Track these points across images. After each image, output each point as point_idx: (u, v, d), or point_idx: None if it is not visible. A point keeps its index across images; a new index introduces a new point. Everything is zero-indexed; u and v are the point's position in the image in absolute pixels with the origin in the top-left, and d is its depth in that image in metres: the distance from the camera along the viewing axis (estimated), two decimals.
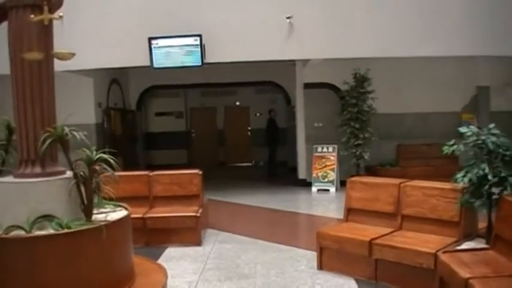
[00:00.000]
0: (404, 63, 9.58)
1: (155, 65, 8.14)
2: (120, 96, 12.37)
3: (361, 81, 9.23)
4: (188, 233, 5.58)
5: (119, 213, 3.61)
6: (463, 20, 8.08)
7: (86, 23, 7.86)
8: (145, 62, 8.06)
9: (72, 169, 3.33)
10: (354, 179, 5.12)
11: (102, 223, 3.26)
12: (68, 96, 8.41)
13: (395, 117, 10.10)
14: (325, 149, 9.70)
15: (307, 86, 10.09)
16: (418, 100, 10.15)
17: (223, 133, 15.30)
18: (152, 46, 8.01)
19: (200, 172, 6.10)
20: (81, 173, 3.29)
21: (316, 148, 9.75)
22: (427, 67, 9.85)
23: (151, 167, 11.84)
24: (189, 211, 5.72)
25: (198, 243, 5.57)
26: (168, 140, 14.57)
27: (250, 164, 14.95)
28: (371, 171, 9.36)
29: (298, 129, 10.41)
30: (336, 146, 9.60)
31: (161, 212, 5.77)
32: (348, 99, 9.33)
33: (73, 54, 3.43)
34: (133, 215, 3.82)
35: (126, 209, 3.77)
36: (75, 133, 3.35)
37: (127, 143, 12.26)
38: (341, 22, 8.13)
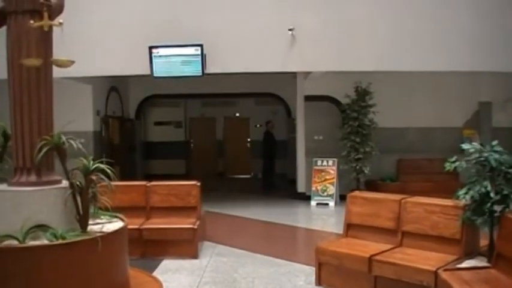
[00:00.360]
0: (406, 77, 9.60)
1: (155, 74, 8.14)
2: (119, 105, 12.38)
3: (362, 94, 9.24)
4: (185, 245, 5.54)
5: (115, 224, 3.58)
6: (466, 35, 8.11)
7: (87, 30, 7.87)
8: (146, 71, 8.07)
9: (68, 178, 3.31)
10: (354, 193, 5.09)
11: (98, 234, 3.24)
12: (66, 103, 8.42)
13: (397, 132, 10.09)
14: (325, 163, 9.68)
15: (308, 98, 10.10)
16: (419, 114, 10.16)
17: (222, 144, 15.24)
18: (153, 55, 8.03)
19: (198, 183, 6.07)
20: (78, 183, 3.27)
21: (316, 161, 9.73)
22: (430, 81, 9.86)
23: (149, 177, 11.74)
24: (186, 223, 5.68)
25: (195, 255, 5.53)
26: (166, 149, 14.53)
27: (249, 176, 14.95)
28: (371, 185, 9.32)
29: (298, 142, 10.39)
30: (335, 160, 9.57)
31: (158, 223, 5.73)
32: (348, 112, 9.33)
33: (72, 62, 3.42)
34: (129, 226, 3.79)
35: (122, 219, 3.74)
36: (72, 142, 3.33)
37: (125, 152, 12.23)
38: (344, 35, 8.14)
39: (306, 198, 9.84)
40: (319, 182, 9.61)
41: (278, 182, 12.32)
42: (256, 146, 14.05)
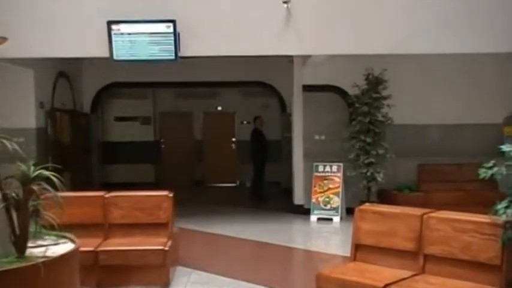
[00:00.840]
0: (429, 62, 9.67)
1: (116, 57, 8.07)
2: (69, 95, 12.29)
3: (374, 83, 9.27)
4: (153, 272, 5.54)
5: (63, 247, 3.55)
6: (508, 6, 8.01)
7: (28, 2, 7.79)
8: (103, 53, 7.98)
9: (0, 189, 3.25)
10: (364, 206, 5.10)
11: (40, 260, 3.19)
12: (0, 92, 8.32)
13: (417, 130, 10.16)
14: (328, 168, 9.71)
15: (307, 88, 10.15)
16: (446, 108, 10.23)
17: (201, 145, 15.34)
18: (112, 32, 7.95)
19: (171, 194, 6.07)
20: (14, 195, 3.22)
21: (317, 167, 9.74)
22: (459, 67, 9.94)
23: (109, 187, 11.70)
24: (154, 243, 5.67)
25: (166, 284, 5.53)
26: (131, 152, 14.57)
27: (234, 185, 15.08)
28: (385, 197, 9.37)
29: (294, 143, 10.44)
30: (341, 165, 9.61)
31: (119, 244, 5.71)
32: (358, 106, 9.36)
33: (5, 39, 3.35)
34: (82, 248, 3.78)
35: (72, 240, 3.70)
36: (6, 141, 3.26)
37: (77, 155, 12.17)
38: (351, 10, 8.12)
39: (304, 212, 9.87)
40: (320, 192, 9.63)
41: (270, 192, 12.40)
42: (243, 148, 14.08)
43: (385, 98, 9.26)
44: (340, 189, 9.55)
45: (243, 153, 14.22)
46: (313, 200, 9.67)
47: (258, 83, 13.39)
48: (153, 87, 14.40)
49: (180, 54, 8.02)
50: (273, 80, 13.13)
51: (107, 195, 6.08)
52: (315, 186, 9.71)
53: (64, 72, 11.79)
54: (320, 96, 10.06)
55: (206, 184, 15.01)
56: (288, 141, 11.38)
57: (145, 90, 14.50)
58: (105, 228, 5.95)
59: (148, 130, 14.97)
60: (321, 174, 9.72)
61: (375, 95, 9.26)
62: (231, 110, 15.32)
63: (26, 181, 3.21)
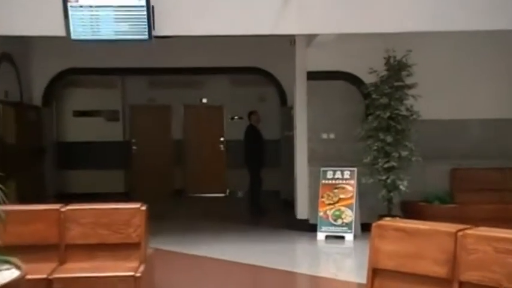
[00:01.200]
0: (465, 42, 9.72)
1: (74, 36, 8.04)
2: (15, 83, 12.30)
3: (396, 69, 9.27)
4: None
5: (5, 275, 3.53)
6: None
7: None
8: (58, 31, 7.94)
9: None
10: (383, 222, 5.05)
11: None
12: None
13: (450, 126, 10.21)
14: (338, 175, 9.73)
15: (313, 76, 10.18)
16: (487, 99, 10.27)
17: (182, 146, 15.47)
18: (69, 5, 7.91)
19: (144, 207, 6.04)
20: None
21: (325, 173, 9.76)
22: (504, 48, 9.97)
23: (66, 198, 11.69)
24: (124, 269, 5.64)
25: None
26: (94, 155, 14.66)
27: (223, 195, 15.22)
28: (410, 210, 9.39)
29: (297, 143, 10.48)
30: (355, 170, 9.62)
31: (79, 269, 5.66)
32: (375, 97, 9.36)
33: None
34: (31, 276, 3.79)
35: (17, 266, 3.68)
36: None
37: (26, 159, 12.13)
38: None
39: (309, 228, 9.90)
40: (329, 204, 9.64)
41: (267, 204, 12.46)
42: (235, 149, 14.22)
43: (409, 86, 9.26)
44: (353, 201, 9.55)
45: (234, 156, 14.38)
46: (321, 214, 9.66)
47: (252, 69, 13.46)
48: (122, 75, 14.46)
49: (155, 33, 8.00)
50: (271, 65, 13.19)
51: (63, 209, 6.03)
52: (322, 197, 9.71)
53: (8, 54, 11.73)
54: (328, 86, 10.14)
55: (188, 194, 15.14)
56: (289, 141, 11.46)
57: (111, 78, 14.57)
58: (61, 250, 5.90)
59: (116, 128, 15.02)
60: (330, 181, 9.73)
61: (396, 84, 9.26)
62: (218, 102, 15.43)
63: None
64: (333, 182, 9.73)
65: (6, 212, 3.37)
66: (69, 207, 6.09)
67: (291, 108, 11.55)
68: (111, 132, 14.94)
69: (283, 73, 12.71)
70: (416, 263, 4.61)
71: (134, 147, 15.36)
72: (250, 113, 12.58)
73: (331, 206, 9.62)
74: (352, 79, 10.15)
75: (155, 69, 13.42)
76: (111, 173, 14.71)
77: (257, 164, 12.25)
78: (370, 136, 9.42)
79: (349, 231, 9.45)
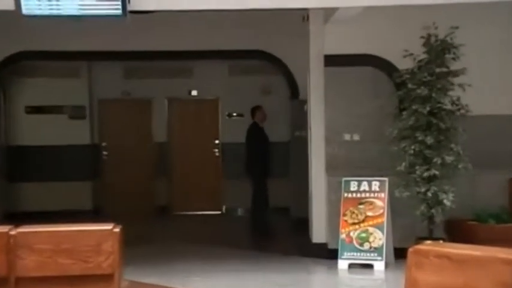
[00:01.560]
0: None
1: (25, 10, 7.94)
2: None
3: (439, 51, 9.22)
4: None
5: None
6: None
7: None
8: (5, 3, 7.87)
9: None
10: (423, 246, 5.01)
11: None
12: None
13: (509, 124, 10.19)
14: (365, 186, 9.69)
15: (332, 61, 10.19)
16: None
17: (166, 151, 15.50)
18: None
19: (117, 229, 5.98)
20: None
21: (348, 184, 9.72)
22: None
23: (17, 218, 11.69)
24: None
25: None
26: (53, 162, 14.69)
27: (219, 213, 15.26)
28: (457, 230, 9.36)
29: (312, 146, 10.53)
30: (386, 180, 9.58)
31: None
32: (412, 87, 9.28)
33: None
34: None
35: None
36: None
37: None
38: None
39: (328, 254, 9.86)
40: (354, 224, 9.60)
41: (274, 224, 12.57)
42: (233, 155, 14.25)
43: (455, 73, 9.18)
44: (384, 219, 9.49)
45: (232, 164, 14.38)
46: (343, 236, 9.59)
47: (254, 53, 13.50)
48: (89, 60, 14.43)
49: (131, 7, 7.94)
50: (278, 48, 13.24)
51: (13, 232, 5.95)
52: (344, 215, 9.65)
53: None
54: (352, 73, 10.18)
55: (174, 212, 15.13)
56: (302, 144, 11.50)
57: (75, 65, 14.53)
58: (10, 284, 5.88)
59: (82, 128, 14.96)
60: (355, 195, 9.69)
61: (439, 70, 9.20)
62: (212, 95, 15.45)
63: None
64: (358, 195, 9.69)
65: None
66: (21, 229, 6.01)
67: (304, 102, 11.55)
68: (76, 133, 14.84)
69: (293, 58, 12.73)
70: None
71: (105, 153, 15.36)
72: (254, 109, 12.64)
73: (356, 226, 9.57)
74: (381, 65, 10.16)
75: (131, 54, 13.43)
76: (76, 186, 14.62)
77: (262, 173, 12.31)
78: (405, 137, 9.34)
79: (378, 258, 9.37)
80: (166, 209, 15.14)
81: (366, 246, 9.49)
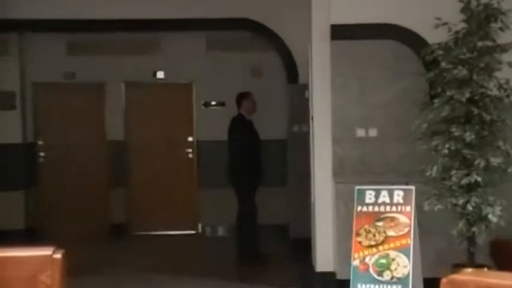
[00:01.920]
0: None
1: None
2: None
3: (482, 19, 9.22)
4: None
5: None
6: None
7: None
8: None
9: None
10: (461, 276, 5.05)
11: None
12: None
13: None
14: (384, 197, 9.56)
15: (341, 33, 10.17)
16: None
17: (123, 152, 15.56)
18: None
19: (58, 254, 6.04)
20: None
21: (363, 193, 9.58)
22: None
23: None
24: None
25: None
26: None
27: (193, 233, 15.43)
28: (506, 254, 9.37)
29: (315, 145, 10.52)
30: (412, 189, 9.40)
31: None
32: (446, 66, 9.29)
33: None
34: None
35: None
36: None
37: None
38: None
39: (337, 286, 9.97)
40: (370, 247, 9.50)
41: (267, 246, 12.58)
42: (212, 157, 14.36)
43: (504, 48, 9.16)
44: (410, 241, 9.41)
45: (210, 169, 14.45)
46: (356, 263, 9.47)
47: (240, 22, 13.64)
48: (20, 31, 14.43)
49: None
50: (270, 17, 13.38)
51: None
52: (358, 235, 9.54)
53: None
54: (367, 49, 10.20)
55: (133, 231, 15.22)
56: (302, 141, 11.80)
57: (2, 37, 14.48)
58: None
59: (11, 121, 14.98)
60: (371, 208, 9.53)
61: (482, 44, 9.13)
62: (185, 78, 15.49)
63: None
64: (376, 209, 9.54)
65: None
66: None
67: (305, 87, 11.60)
68: (2, 129, 14.82)
69: (290, 29, 12.95)
70: None
71: (42, 154, 15.39)
72: (240, 97, 12.56)
73: (374, 250, 9.45)
74: (406, 37, 10.13)
75: (77, 23, 13.45)
76: (3, 198, 14.59)
77: (250, 181, 12.25)
78: (438, 132, 9.28)
79: None
80: (124, 228, 15.14)
81: (387, 276, 9.42)
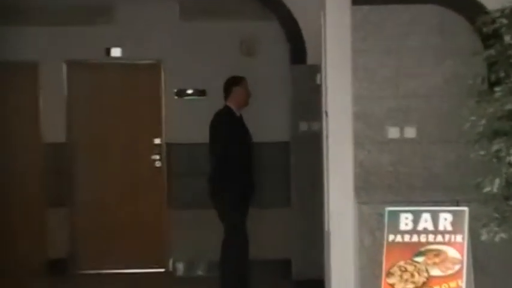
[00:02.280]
0: None
1: None
2: None
3: None
4: None
5: None
6: None
7: None
8: None
9: None
10: None
11: None
12: None
13: None
14: (426, 222, 9.39)
15: None
16: None
17: (65, 160, 15.44)
18: None
19: None
20: None
21: (396, 217, 9.42)
22: None
23: None
24: None
25: None
26: None
27: (161, 271, 15.52)
28: None
29: (330, 151, 10.34)
30: (465, 211, 9.28)
31: None
32: (511, 41, 9.05)
33: None
34: None
35: None
36: None
37: None
38: None
39: None
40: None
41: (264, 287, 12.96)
42: (187, 166, 14.84)
43: None
44: (462, 283, 9.20)
45: (185, 181, 14.45)
46: None
47: None
48: None
49: None
50: None
51: None
52: (389, 275, 9.31)
53: None
54: (400, 16, 10.24)
55: (80, 269, 15.22)
56: (312, 145, 12.20)
57: None
58: None
59: None
60: (408, 238, 9.33)
61: None
62: (150, 57, 15.54)
63: None
64: (415, 239, 9.33)
65: None
66: None
67: (316, 69, 11.86)
68: None
69: None
70: None
71: None
72: (230, 83, 12.46)
73: None
74: (456, 1, 9.86)
75: None
76: None
77: (239, 199, 12.08)
78: (500, 132, 9.05)
79: None
80: (66, 265, 14.99)
81: None
